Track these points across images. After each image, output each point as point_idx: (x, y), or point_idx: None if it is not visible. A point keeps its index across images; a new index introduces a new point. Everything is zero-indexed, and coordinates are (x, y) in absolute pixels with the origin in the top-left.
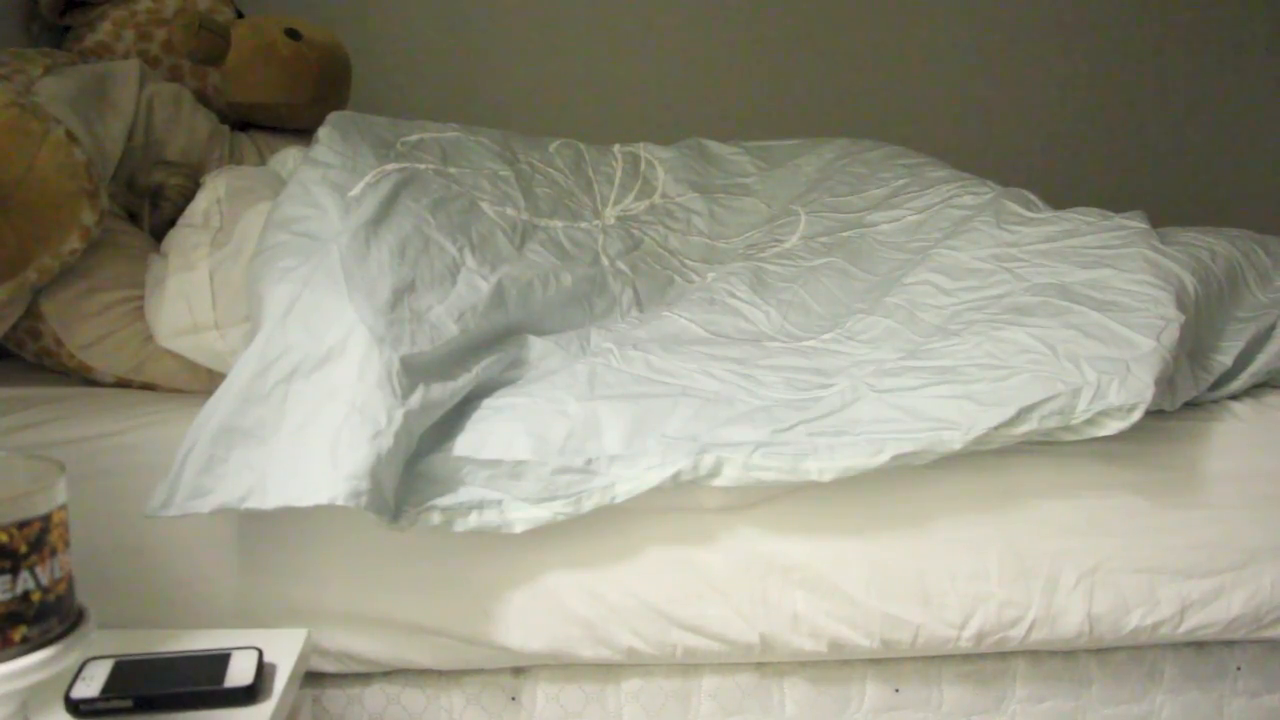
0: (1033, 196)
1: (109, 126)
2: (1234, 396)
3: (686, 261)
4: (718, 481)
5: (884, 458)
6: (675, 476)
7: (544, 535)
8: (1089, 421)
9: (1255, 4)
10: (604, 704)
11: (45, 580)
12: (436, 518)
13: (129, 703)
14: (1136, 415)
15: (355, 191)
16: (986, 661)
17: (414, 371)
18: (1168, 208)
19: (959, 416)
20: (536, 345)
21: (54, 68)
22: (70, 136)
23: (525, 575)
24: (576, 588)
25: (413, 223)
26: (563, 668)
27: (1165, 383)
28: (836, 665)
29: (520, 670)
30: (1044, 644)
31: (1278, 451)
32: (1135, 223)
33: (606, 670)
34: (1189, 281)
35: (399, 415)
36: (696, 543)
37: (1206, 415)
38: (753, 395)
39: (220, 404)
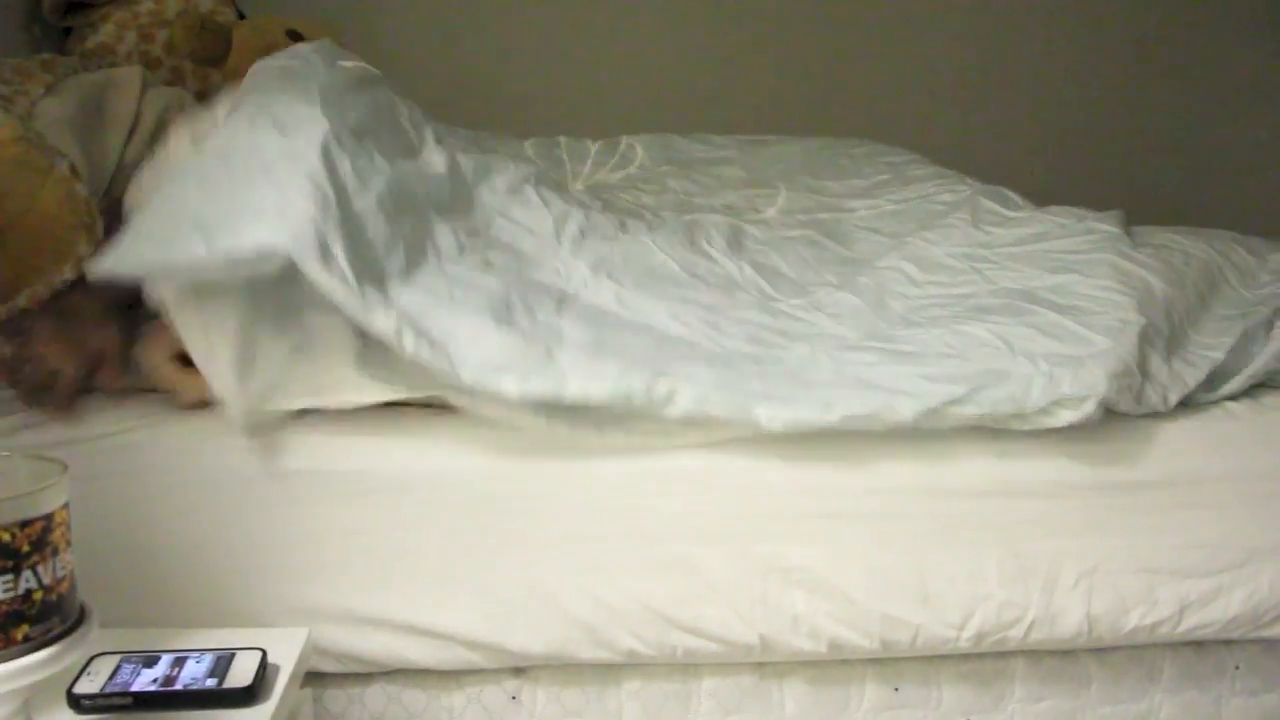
0: (1012, 194)
1: (106, 139)
2: (1232, 397)
3: (661, 213)
4: (670, 410)
5: (834, 416)
6: (628, 395)
7: (544, 537)
8: (1042, 411)
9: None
10: (604, 704)
11: (47, 579)
12: (400, 326)
13: (129, 699)
14: (1089, 407)
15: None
16: (985, 661)
17: (370, 184)
18: (1166, 207)
19: (912, 388)
20: (505, 228)
21: (55, 85)
22: (74, 172)
23: (525, 577)
24: (577, 590)
25: (383, 99)
26: (563, 668)
27: (1122, 379)
28: (836, 665)
29: (521, 670)
30: (1043, 644)
31: (1275, 451)
32: (1107, 225)
33: (607, 670)
34: (1156, 286)
35: (354, 201)
36: (696, 544)
37: (1204, 416)
38: (714, 344)
39: (180, 188)
